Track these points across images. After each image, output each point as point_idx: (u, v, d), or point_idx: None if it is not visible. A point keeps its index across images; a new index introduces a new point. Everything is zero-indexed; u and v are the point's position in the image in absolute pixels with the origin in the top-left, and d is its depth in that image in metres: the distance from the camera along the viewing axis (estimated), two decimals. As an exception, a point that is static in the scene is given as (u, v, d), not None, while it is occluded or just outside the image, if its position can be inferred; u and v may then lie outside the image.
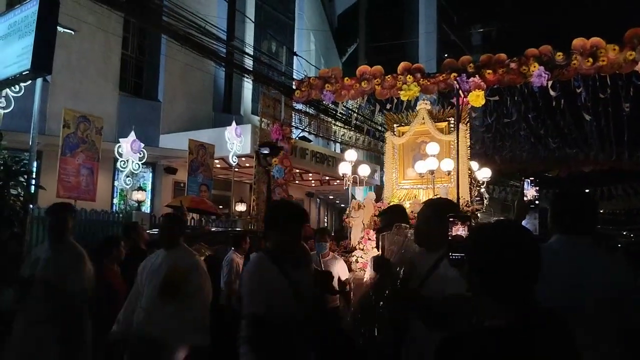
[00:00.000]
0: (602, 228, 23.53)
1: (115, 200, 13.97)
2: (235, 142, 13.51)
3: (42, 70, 6.48)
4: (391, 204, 7.72)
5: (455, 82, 7.80)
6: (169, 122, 15.86)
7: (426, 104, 9.06)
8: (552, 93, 8.06)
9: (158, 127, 15.58)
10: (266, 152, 6.90)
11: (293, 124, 11.08)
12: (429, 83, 8.52)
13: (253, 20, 18.10)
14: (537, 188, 22.15)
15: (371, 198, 8.43)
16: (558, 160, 18.56)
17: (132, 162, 12.05)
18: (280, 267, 2.54)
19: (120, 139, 12.19)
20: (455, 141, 8.23)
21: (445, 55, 23.81)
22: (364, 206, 8.00)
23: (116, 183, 13.88)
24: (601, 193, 23.56)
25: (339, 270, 5.06)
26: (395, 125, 9.49)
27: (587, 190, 18.83)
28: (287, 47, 20.14)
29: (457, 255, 1.67)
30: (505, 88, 8.91)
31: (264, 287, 2.47)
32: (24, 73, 6.42)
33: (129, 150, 11.96)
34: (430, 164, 8.07)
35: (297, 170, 15.28)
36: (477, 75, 7.97)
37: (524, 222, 17.43)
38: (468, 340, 1.35)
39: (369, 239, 7.23)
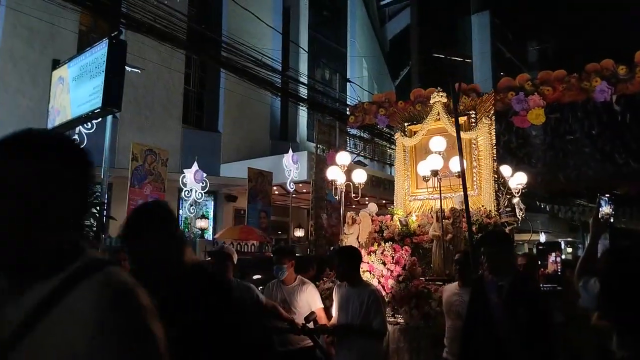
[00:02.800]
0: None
1: (180, 229, 14.49)
2: (292, 168, 13.77)
3: (112, 107, 6.97)
4: (397, 216, 6.89)
5: (512, 101, 7.64)
6: (229, 151, 16.41)
7: (441, 95, 7.55)
8: (616, 108, 7.74)
9: (219, 157, 16.16)
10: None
11: (348, 148, 11.19)
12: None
13: (306, 50, 18.56)
14: (613, 206, 20.96)
15: (372, 210, 7.31)
16: (627, 177, 17.56)
17: (195, 191, 12.54)
18: None
19: (184, 170, 12.74)
20: (475, 138, 7.11)
21: (502, 73, 23.36)
22: (360, 220, 6.72)
23: (181, 212, 14.44)
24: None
25: (309, 299, 4.18)
26: (405, 123, 7.94)
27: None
28: (340, 74, 20.47)
29: (549, 286, 1.68)
30: (567, 104, 8.63)
31: None
32: (95, 111, 6.93)
33: (192, 180, 12.46)
34: (434, 163, 6.24)
35: (353, 194, 15.30)
36: (535, 93, 7.77)
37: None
38: None
39: (365, 262, 5.87)
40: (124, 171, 11.27)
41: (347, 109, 10.29)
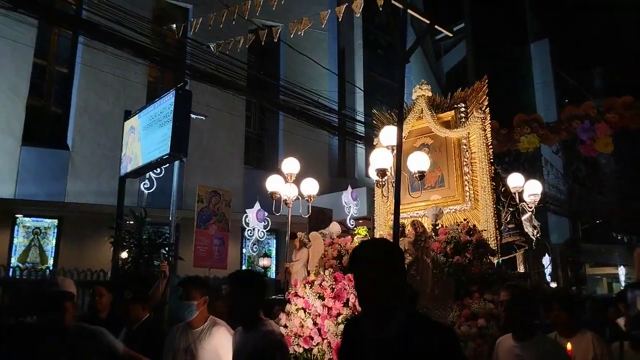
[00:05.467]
0: None
1: (244, 267, 14.78)
2: (351, 205, 13.78)
3: (179, 153, 7.32)
4: (358, 237, 5.55)
5: (578, 129, 7.39)
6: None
7: (424, 89, 6.35)
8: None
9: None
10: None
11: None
12: (549, 133, 8.17)
13: (362, 89, 18.83)
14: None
15: (333, 232, 6.01)
16: None
17: (258, 230, 12.79)
18: None
19: (247, 210, 13.07)
20: (467, 137, 5.74)
21: (566, 100, 22.60)
22: (311, 244, 5.45)
23: (244, 250, 14.74)
24: None
25: (218, 348, 3.10)
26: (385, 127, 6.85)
27: None
28: (397, 110, 20.54)
29: None
30: (636, 130, 8.25)
31: None
32: (164, 157, 7.30)
33: (254, 219, 12.73)
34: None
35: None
36: (602, 121, 7.48)
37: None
38: None
39: (299, 296, 4.60)
40: (191, 212, 11.70)
41: (405, 145, 10.26)
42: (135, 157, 8.26)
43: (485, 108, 5.79)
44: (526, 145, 8.28)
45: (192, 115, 8.76)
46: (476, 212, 5.52)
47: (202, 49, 10.05)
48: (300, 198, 6.90)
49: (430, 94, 6.33)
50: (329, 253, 5.47)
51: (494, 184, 5.58)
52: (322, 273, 4.61)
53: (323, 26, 6.74)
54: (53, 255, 11.81)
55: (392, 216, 5.49)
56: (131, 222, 6.90)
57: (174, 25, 7.64)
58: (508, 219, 5.54)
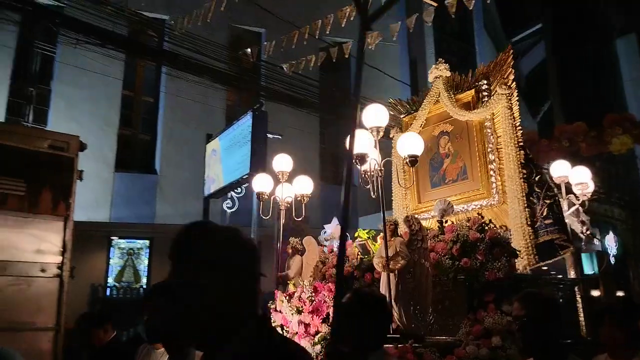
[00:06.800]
0: None
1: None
2: (431, 218, 13.50)
3: (258, 172, 7.55)
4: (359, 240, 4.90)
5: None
6: (365, 204, 16.63)
7: (441, 69, 5.51)
8: None
9: (356, 210, 16.44)
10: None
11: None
12: (644, 132, 7.58)
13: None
14: None
15: (332, 235, 5.21)
16: None
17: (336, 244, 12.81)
18: None
19: (324, 225, 13.15)
20: (487, 118, 4.92)
21: (661, 96, 20.90)
22: (305, 250, 4.90)
23: (323, 267, 14.79)
24: None
25: None
26: (401, 116, 5.99)
27: None
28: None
29: None
30: None
31: None
32: (244, 177, 7.56)
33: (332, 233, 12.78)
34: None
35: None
36: None
37: None
38: None
39: (277, 311, 4.14)
40: (270, 229, 11.95)
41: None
42: (217, 178, 8.62)
43: (511, 83, 4.94)
44: (619, 147, 7.76)
45: (269, 135, 9.01)
46: (505, 207, 4.73)
47: (275, 70, 10.35)
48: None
49: (448, 73, 5.47)
50: (330, 260, 4.78)
51: (525, 172, 4.68)
52: (301, 284, 4.07)
53: (394, 38, 6.71)
54: (146, 275, 12.49)
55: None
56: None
57: (249, 50, 7.94)
58: (544, 213, 4.53)
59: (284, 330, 3.90)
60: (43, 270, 4.42)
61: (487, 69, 5.22)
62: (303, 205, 5.32)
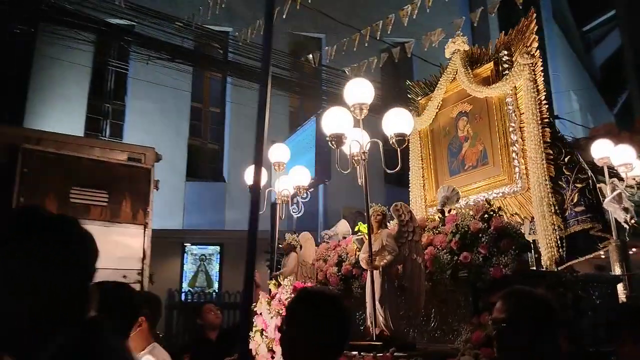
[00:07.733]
0: None
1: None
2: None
3: (323, 177, 7.57)
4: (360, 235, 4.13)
5: None
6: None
7: (458, 43, 4.92)
8: None
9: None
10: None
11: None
12: None
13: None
14: None
15: (342, 232, 4.95)
16: None
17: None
18: None
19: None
20: (508, 94, 4.31)
21: None
22: (300, 247, 4.45)
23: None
24: None
25: None
26: (418, 98, 5.52)
27: None
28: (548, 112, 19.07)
29: None
30: None
31: None
32: (310, 182, 7.61)
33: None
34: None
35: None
36: None
37: None
38: None
39: (258, 314, 3.80)
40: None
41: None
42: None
43: (535, 51, 4.25)
44: None
45: (333, 139, 9.04)
46: (529, 193, 4.06)
47: (336, 74, 10.36)
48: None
49: (467, 47, 4.84)
50: (330, 258, 4.34)
51: (552, 152, 4.01)
52: (282, 283, 3.66)
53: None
54: (217, 279, 12.86)
55: (431, 209, 4.97)
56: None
57: (311, 56, 8.01)
58: (575, 200, 3.81)
59: (263, 336, 3.61)
60: (125, 277, 4.64)
61: (509, 38, 4.55)
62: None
